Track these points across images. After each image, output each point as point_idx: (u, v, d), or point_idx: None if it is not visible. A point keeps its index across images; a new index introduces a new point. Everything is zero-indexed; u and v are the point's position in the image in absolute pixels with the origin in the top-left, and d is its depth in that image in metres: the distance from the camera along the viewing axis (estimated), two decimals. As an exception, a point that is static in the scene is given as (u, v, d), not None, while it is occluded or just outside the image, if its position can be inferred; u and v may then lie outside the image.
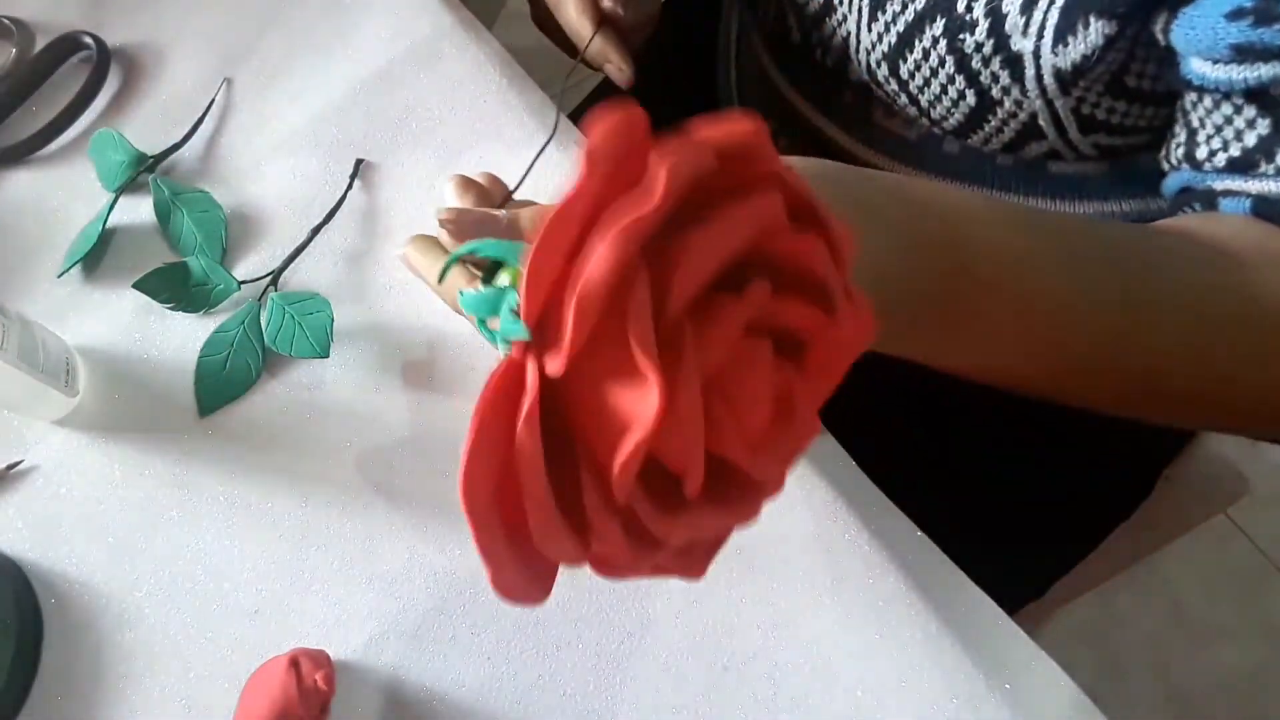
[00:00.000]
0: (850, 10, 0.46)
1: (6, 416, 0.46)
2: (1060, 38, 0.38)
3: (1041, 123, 0.42)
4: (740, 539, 0.41)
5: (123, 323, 0.48)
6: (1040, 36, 0.39)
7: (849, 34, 0.46)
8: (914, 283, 0.31)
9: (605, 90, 0.75)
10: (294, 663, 0.38)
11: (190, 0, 0.56)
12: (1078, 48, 0.38)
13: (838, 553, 0.41)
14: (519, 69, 0.52)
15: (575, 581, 0.41)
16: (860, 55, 0.46)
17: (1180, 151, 0.39)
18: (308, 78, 0.53)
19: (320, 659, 0.39)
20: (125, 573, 0.42)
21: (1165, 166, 0.41)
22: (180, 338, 0.47)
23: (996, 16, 0.39)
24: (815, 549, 0.41)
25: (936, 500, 0.42)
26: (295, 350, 0.45)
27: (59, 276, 0.49)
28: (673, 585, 0.41)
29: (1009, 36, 0.39)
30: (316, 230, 0.48)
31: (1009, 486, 0.59)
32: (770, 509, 0.42)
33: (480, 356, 0.45)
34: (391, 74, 0.53)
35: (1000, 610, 0.40)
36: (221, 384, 0.45)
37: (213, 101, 0.53)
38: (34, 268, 0.50)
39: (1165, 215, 0.46)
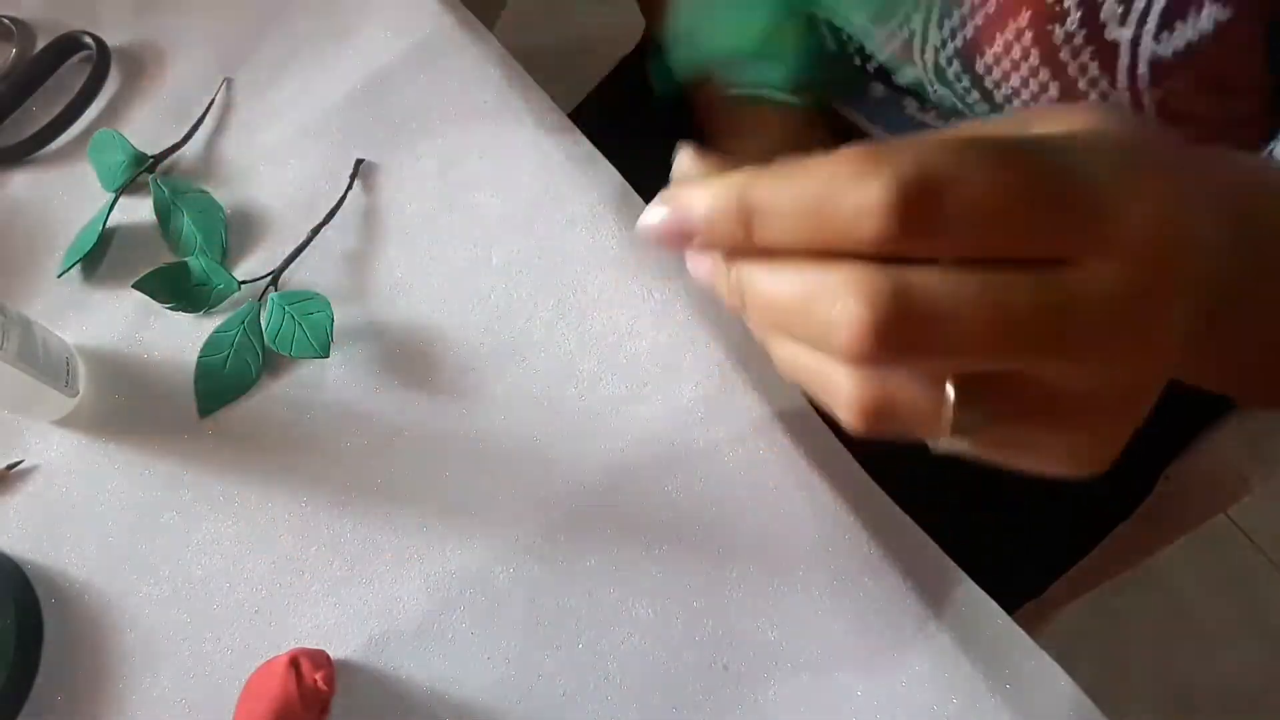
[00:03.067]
0: (916, 8, 0.45)
1: (6, 416, 0.46)
2: (1166, 24, 0.37)
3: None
4: (740, 539, 0.41)
5: (123, 323, 0.48)
6: (1142, 24, 0.38)
7: (912, 34, 0.45)
8: (1242, 258, 0.26)
9: (605, 90, 0.75)
10: (294, 663, 0.38)
11: (190, 0, 0.56)
12: (1184, 34, 0.37)
13: (838, 553, 0.41)
14: (519, 69, 0.52)
15: (575, 582, 0.41)
16: (927, 56, 0.46)
17: None
18: (308, 78, 0.53)
19: (320, 659, 0.39)
20: (125, 573, 0.42)
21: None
22: (180, 338, 0.47)
23: (1091, 5, 0.38)
24: (815, 549, 0.41)
25: (937, 500, 0.42)
26: (295, 350, 0.45)
27: (59, 276, 0.49)
28: (671, 587, 0.41)
29: (1104, 25, 0.39)
30: (316, 230, 0.48)
31: (1009, 486, 0.58)
32: (770, 509, 0.42)
33: (479, 356, 0.45)
34: (391, 74, 0.53)
35: (1000, 610, 0.40)
36: (221, 384, 0.45)
37: (213, 101, 0.53)
38: (34, 268, 0.50)
39: None
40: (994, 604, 0.40)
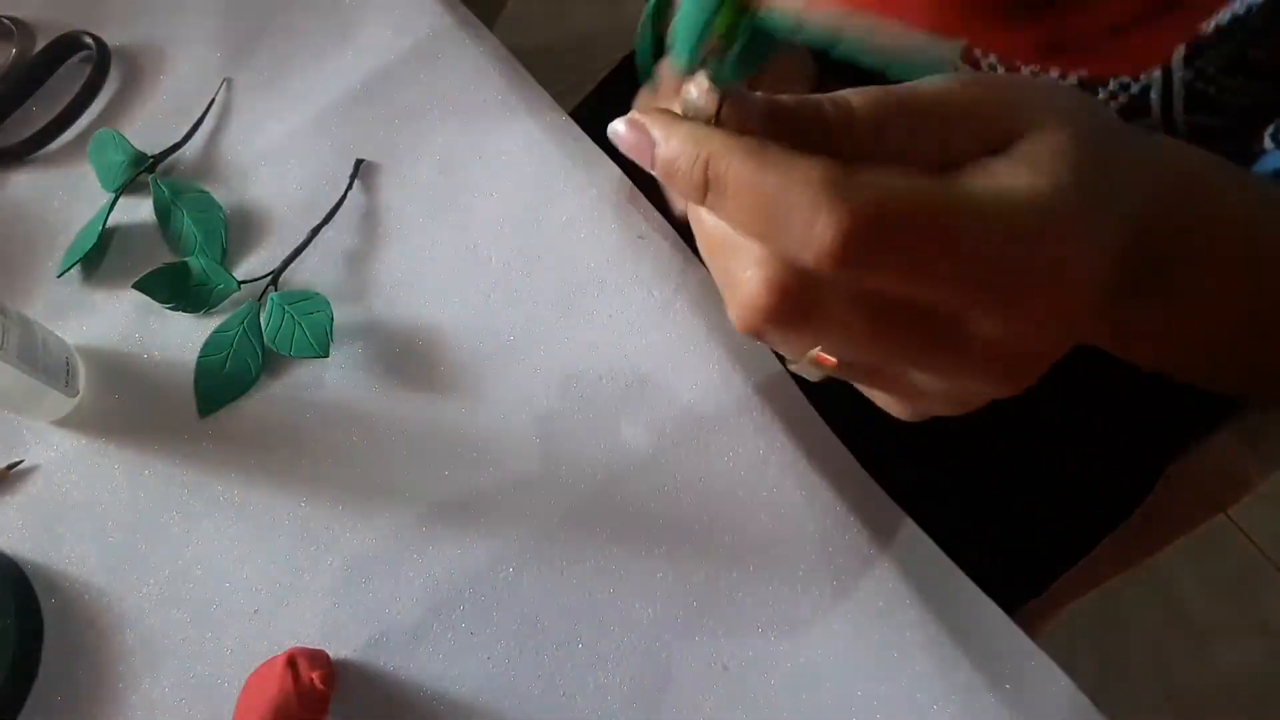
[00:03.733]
0: None
1: (6, 416, 0.46)
2: None
3: (1153, 97, 0.41)
4: (740, 539, 0.41)
5: (123, 323, 0.48)
6: None
7: None
8: (1156, 245, 0.27)
9: (605, 90, 0.75)
10: (293, 662, 0.38)
11: (190, 0, 0.56)
12: (1232, 7, 0.36)
13: (838, 553, 0.41)
14: (519, 69, 0.52)
15: (575, 582, 0.41)
16: None
17: None
18: (308, 78, 0.53)
19: (320, 659, 0.39)
20: (125, 573, 0.42)
21: (1270, 145, 0.40)
22: (180, 338, 0.47)
23: None
24: (815, 549, 0.41)
25: (937, 500, 0.42)
26: (295, 350, 0.45)
27: (59, 276, 0.49)
28: (671, 587, 0.41)
29: None
30: (316, 230, 0.48)
31: (1009, 486, 0.58)
32: (771, 509, 0.42)
33: (480, 355, 0.45)
34: (391, 74, 0.53)
35: (1000, 610, 0.40)
36: (221, 384, 0.45)
37: (213, 101, 0.53)
38: (34, 268, 0.50)
39: None
40: (994, 604, 0.40)
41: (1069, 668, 0.38)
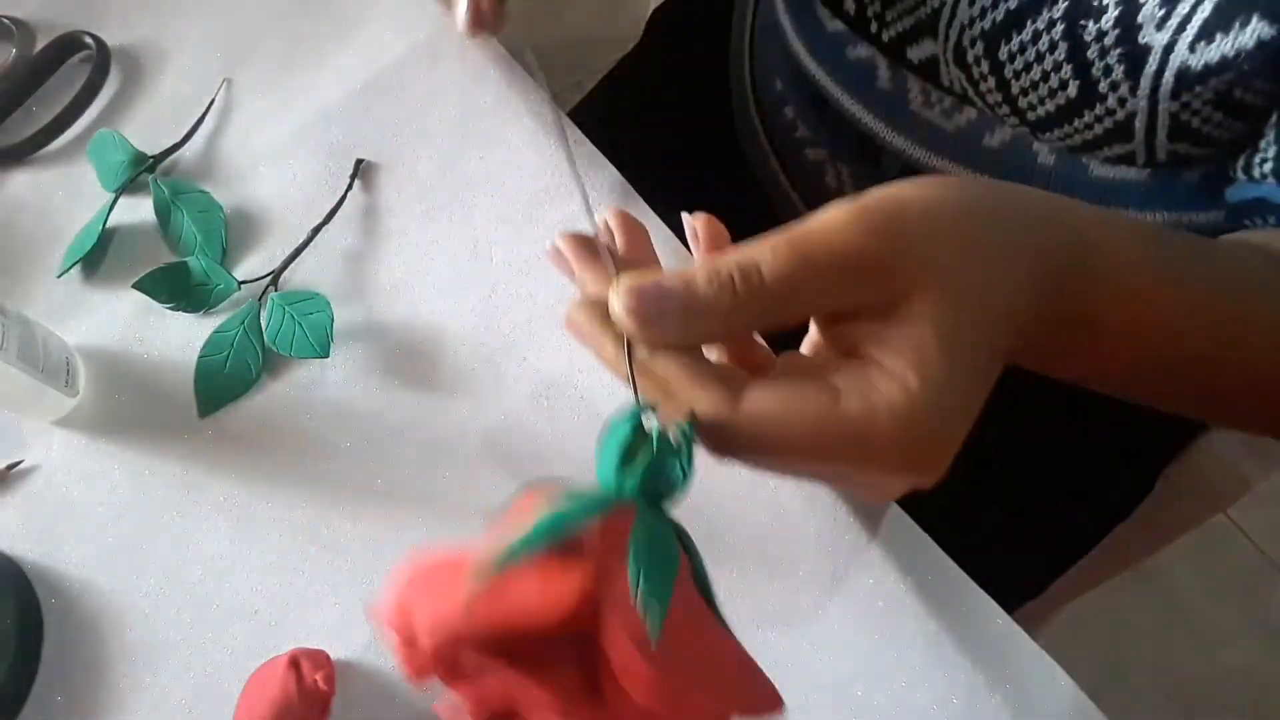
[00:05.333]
0: None
1: (6, 416, 0.46)
2: (1206, 34, 0.37)
3: (1137, 124, 0.41)
4: (741, 539, 0.41)
5: (123, 323, 0.48)
6: (1180, 30, 0.37)
7: (943, 4, 0.44)
8: (1047, 307, 0.30)
9: (605, 90, 0.75)
10: (294, 663, 0.38)
11: (190, 0, 0.56)
12: (1221, 47, 0.37)
13: (838, 553, 0.41)
14: (519, 69, 0.52)
15: (575, 581, 0.41)
16: (952, 30, 0.45)
17: (1270, 166, 0.39)
18: (308, 78, 0.53)
19: (320, 659, 0.39)
20: (125, 573, 0.42)
21: (1242, 177, 0.41)
22: (180, 338, 0.47)
23: (1131, 5, 0.38)
24: (815, 549, 0.41)
25: (937, 500, 0.42)
26: (295, 350, 0.45)
27: (59, 276, 0.49)
28: (673, 585, 0.41)
29: (1139, 28, 0.38)
30: (317, 230, 0.48)
31: (1009, 486, 0.58)
32: (771, 509, 0.42)
33: (479, 356, 0.45)
34: (391, 74, 0.53)
35: (1000, 610, 0.40)
36: (222, 384, 0.45)
37: (213, 101, 0.53)
38: (34, 268, 0.50)
39: (1199, 228, 0.46)
40: (994, 604, 0.40)
41: (1069, 668, 0.38)
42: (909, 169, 0.52)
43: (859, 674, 0.39)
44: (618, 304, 0.27)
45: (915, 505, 0.42)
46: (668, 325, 0.27)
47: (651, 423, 0.27)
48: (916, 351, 0.27)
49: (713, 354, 0.34)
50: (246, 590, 0.42)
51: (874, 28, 0.49)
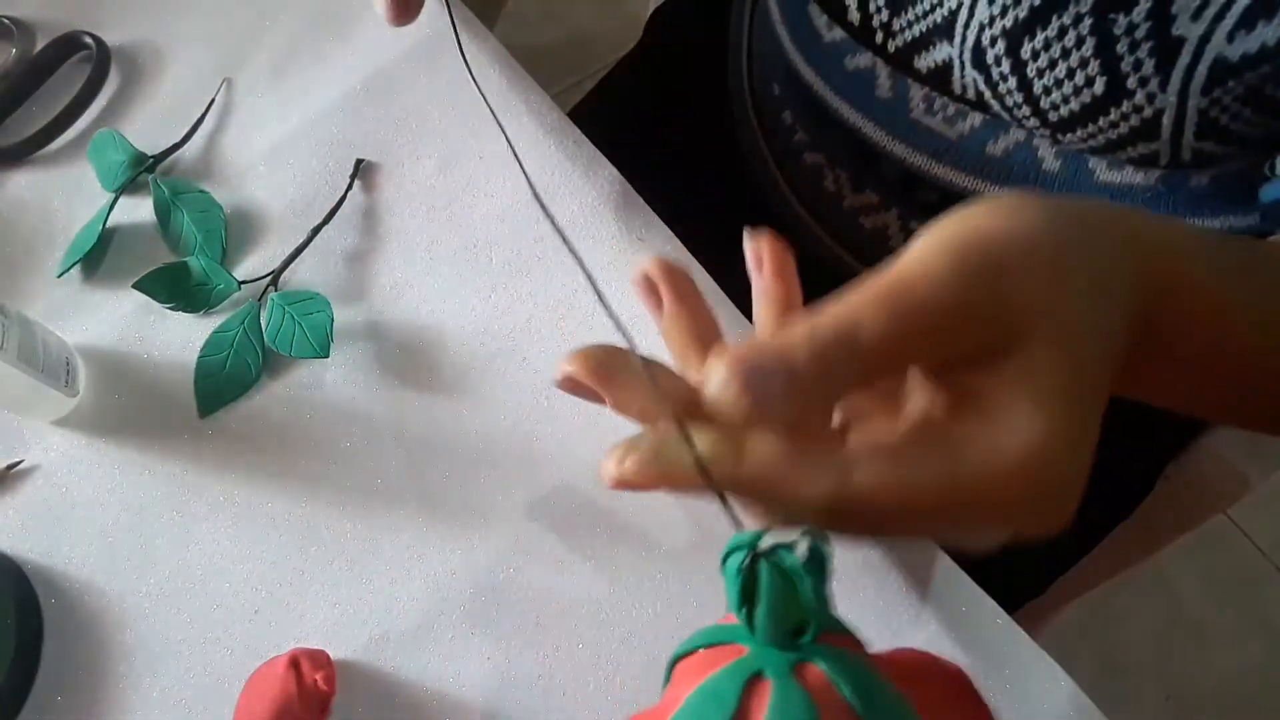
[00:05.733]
0: None
1: (6, 416, 0.46)
2: (1247, 22, 0.36)
3: (1164, 122, 0.40)
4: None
5: (123, 323, 0.48)
6: (1219, 19, 0.36)
7: (959, 6, 0.43)
8: (1135, 330, 0.29)
9: (605, 90, 0.75)
10: (294, 663, 0.38)
11: (190, 0, 0.56)
12: (1263, 35, 0.36)
13: (838, 553, 0.41)
14: (519, 69, 0.52)
15: (575, 582, 0.41)
16: (969, 32, 0.44)
17: None
18: (308, 78, 0.53)
19: (320, 659, 0.39)
20: (125, 573, 0.42)
21: (1271, 175, 0.40)
22: (180, 338, 0.47)
23: None
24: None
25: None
26: (295, 350, 0.45)
27: (59, 276, 0.49)
28: (670, 587, 0.41)
29: (1174, 19, 0.37)
30: (317, 230, 0.48)
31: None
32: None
33: (479, 356, 0.45)
34: (391, 74, 0.53)
35: (1000, 610, 0.40)
36: (222, 384, 0.45)
37: (213, 101, 0.53)
38: (34, 268, 0.50)
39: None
40: (994, 604, 0.40)
41: (1069, 668, 0.38)
42: (909, 175, 0.52)
43: (859, 674, 0.39)
44: (719, 383, 0.25)
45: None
46: (774, 403, 0.25)
47: (767, 548, 0.23)
48: (1037, 397, 0.25)
49: None
50: (246, 590, 0.42)
51: (879, 38, 0.48)
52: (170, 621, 0.42)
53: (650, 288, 0.30)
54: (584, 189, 0.48)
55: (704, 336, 0.30)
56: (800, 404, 0.25)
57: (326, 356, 0.45)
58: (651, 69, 0.73)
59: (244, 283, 0.47)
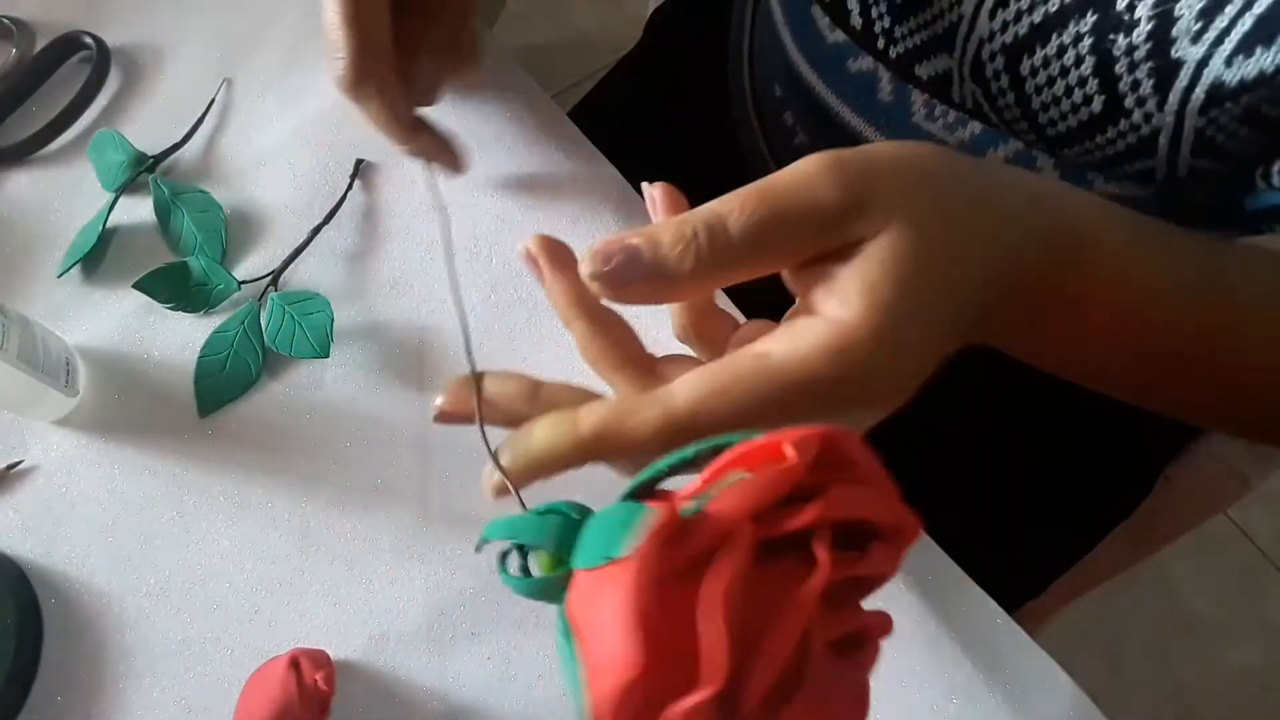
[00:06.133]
0: None
1: (6, 416, 0.46)
2: (1245, 48, 0.36)
3: (1161, 140, 0.40)
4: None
5: (123, 323, 0.48)
6: (1218, 44, 0.36)
7: (960, 19, 0.43)
8: (1031, 283, 0.31)
9: (605, 90, 0.75)
10: (294, 663, 0.38)
11: (190, 0, 0.56)
12: (1261, 62, 0.36)
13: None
14: (519, 69, 0.52)
15: (575, 581, 0.41)
16: (969, 45, 0.44)
17: None
18: (308, 78, 0.53)
19: (320, 659, 0.39)
20: (125, 573, 0.42)
21: (1262, 184, 0.40)
22: (180, 338, 0.47)
23: (1165, 19, 0.37)
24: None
25: (937, 499, 0.42)
26: (295, 350, 0.45)
27: (58, 276, 0.49)
28: (673, 585, 0.41)
29: (1173, 41, 0.37)
30: (317, 230, 0.48)
31: (1009, 486, 0.59)
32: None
33: (480, 355, 0.45)
34: (391, 74, 0.52)
35: (1000, 610, 0.40)
36: (221, 384, 0.45)
37: (213, 101, 0.53)
38: (34, 268, 0.50)
39: None
40: (994, 604, 0.40)
41: (1069, 668, 0.38)
42: None
43: (859, 674, 0.39)
44: (586, 269, 0.28)
45: (916, 505, 0.42)
46: (636, 285, 0.28)
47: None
48: (861, 283, 0.27)
49: (677, 318, 0.34)
50: (246, 590, 0.42)
51: (881, 44, 0.48)
52: (170, 621, 0.42)
53: (533, 260, 0.32)
54: (584, 189, 0.48)
55: (585, 300, 0.32)
56: (662, 287, 0.27)
57: (327, 356, 0.45)
58: (651, 69, 0.73)
59: (244, 283, 0.47)
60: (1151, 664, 1.16)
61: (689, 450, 0.24)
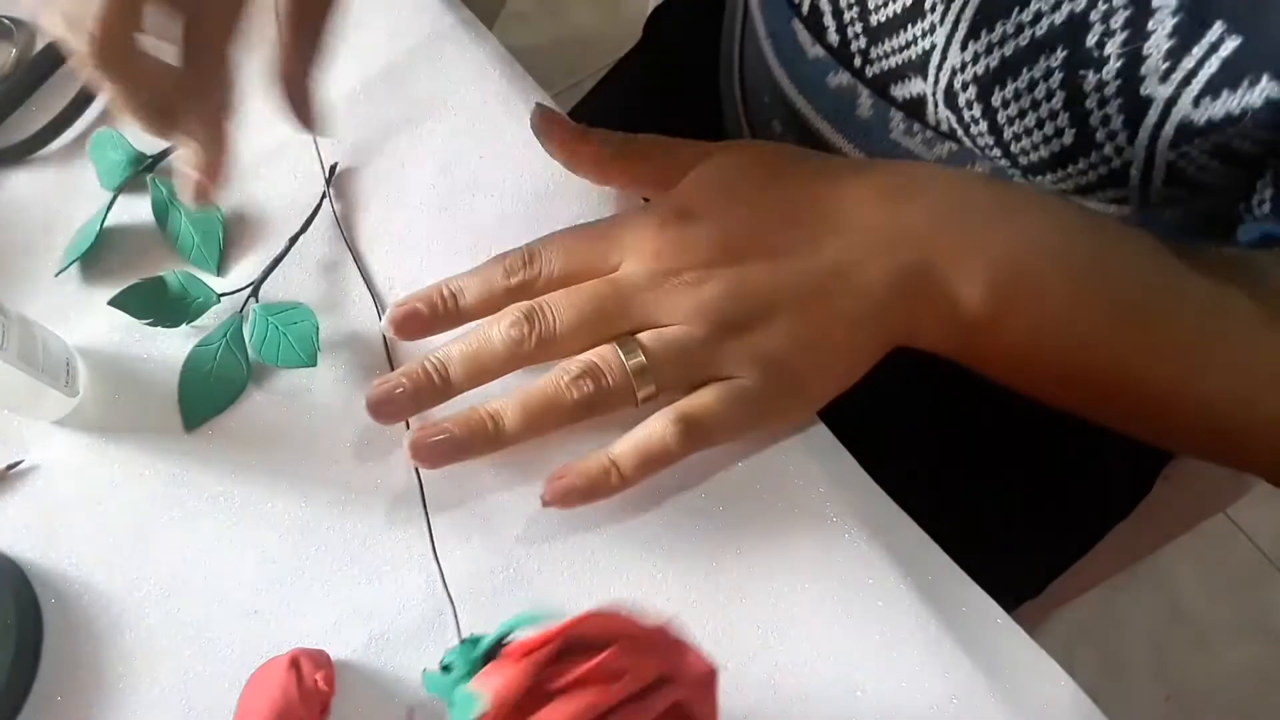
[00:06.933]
0: (942, 22, 0.42)
1: (6, 416, 0.46)
2: (1212, 90, 0.36)
3: (1133, 171, 0.41)
4: (739, 539, 0.41)
5: (123, 322, 0.47)
6: (1185, 84, 0.37)
7: (933, 47, 0.43)
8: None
9: (606, 89, 0.75)
10: (294, 663, 0.38)
11: (190, 0, 0.56)
12: (1228, 104, 0.36)
13: (838, 553, 0.41)
14: (519, 69, 0.52)
15: (574, 581, 0.41)
16: (941, 74, 0.44)
17: (1267, 207, 0.39)
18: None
19: (320, 659, 0.39)
20: (125, 573, 0.42)
21: (1247, 217, 0.40)
22: (181, 338, 0.47)
23: (1133, 58, 0.37)
24: (815, 549, 0.41)
25: (936, 499, 0.42)
26: (282, 360, 0.45)
27: (56, 275, 0.49)
28: (670, 586, 0.41)
29: (1142, 79, 0.37)
30: (294, 240, 0.48)
31: (1009, 485, 0.59)
32: (769, 509, 0.42)
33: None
34: (391, 74, 0.53)
35: (1000, 610, 0.40)
36: (205, 398, 0.45)
37: (212, 101, 0.53)
38: (34, 268, 0.50)
39: None
40: (994, 604, 0.40)
41: (1069, 668, 0.38)
42: None
43: (859, 674, 0.39)
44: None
45: (916, 505, 0.42)
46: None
47: None
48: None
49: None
50: (246, 590, 0.42)
51: (858, 63, 0.48)
52: (170, 621, 0.42)
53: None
54: (584, 189, 0.48)
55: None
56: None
57: (313, 366, 0.44)
58: (650, 70, 0.73)
59: (224, 295, 0.47)
60: (1151, 664, 1.16)
61: (508, 625, 0.33)
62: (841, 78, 0.50)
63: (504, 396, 0.40)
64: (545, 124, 0.43)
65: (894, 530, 0.41)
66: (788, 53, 0.53)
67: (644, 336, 0.39)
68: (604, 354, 0.39)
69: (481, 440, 0.40)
